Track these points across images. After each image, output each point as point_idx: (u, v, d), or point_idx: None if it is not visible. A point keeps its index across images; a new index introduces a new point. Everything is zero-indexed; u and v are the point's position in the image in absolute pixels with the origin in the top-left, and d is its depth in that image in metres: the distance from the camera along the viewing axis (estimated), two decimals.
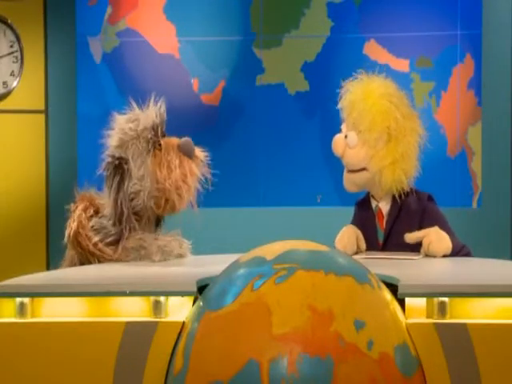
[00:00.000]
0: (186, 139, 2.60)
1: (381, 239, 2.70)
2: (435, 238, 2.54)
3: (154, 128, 2.55)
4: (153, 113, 2.57)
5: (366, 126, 2.63)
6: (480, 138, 4.74)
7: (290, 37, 4.98)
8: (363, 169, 2.67)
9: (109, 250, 2.50)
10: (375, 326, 1.69)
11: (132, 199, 2.52)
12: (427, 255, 2.55)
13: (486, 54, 4.69)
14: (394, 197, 2.68)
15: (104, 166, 2.56)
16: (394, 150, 2.62)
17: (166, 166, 2.52)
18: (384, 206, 2.70)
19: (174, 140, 2.59)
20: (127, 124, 2.56)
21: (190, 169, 2.54)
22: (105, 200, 2.58)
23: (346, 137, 2.69)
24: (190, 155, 2.55)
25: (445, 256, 2.54)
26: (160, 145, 2.55)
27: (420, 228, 2.61)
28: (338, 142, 2.70)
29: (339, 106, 2.74)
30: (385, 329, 1.71)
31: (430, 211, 2.66)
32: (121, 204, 2.51)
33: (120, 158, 2.53)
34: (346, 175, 2.74)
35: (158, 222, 2.67)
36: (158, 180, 2.51)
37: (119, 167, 2.52)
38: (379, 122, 2.63)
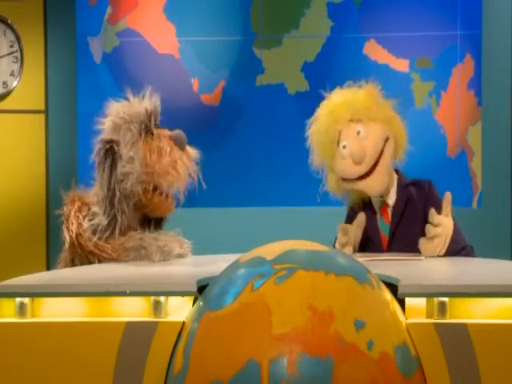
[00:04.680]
0: (179, 132, 2.61)
1: (386, 233, 2.70)
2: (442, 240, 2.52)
3: (148, 114, 2.57)
4: (147, 101, 2.59)
5: (370, 111, 2.67)
6: (480, 138, 4.74)
7: (290, 37, 4.98)
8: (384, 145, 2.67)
9: (109, 248, 2.49)
10: (375, 326, 1.68)
11: (121, 181, 2.51)
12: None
13: (486, 54, 4.69)
14: (397, 188, 2.70)
15: (96, 151, 2.55)
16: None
17: (156, 151, 2.53)
18: (389, 199, 2.71)
19: (167, 131, 2.61)
20: (122, 108, 2.58)
21: (181, 157, 2.54)
22: (94, 191, 2.57)
23: (358, 133, 2.66)
24: (181, 146, 2.56)
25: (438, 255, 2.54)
26: (152, 133, 2.57)
27: (425, 217, 2.57)
28: (356, 145, 2.65)
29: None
30: (385, 329, 1.71)
31: (433, 200, 2.64)
32: (113, 186, 2.50)
33: (111, 141, 2.53)
34: (364, 181, 2.68)
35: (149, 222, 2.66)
36: (147, 164, 2.51)
37: (110, 150, 2.52)
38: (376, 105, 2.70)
